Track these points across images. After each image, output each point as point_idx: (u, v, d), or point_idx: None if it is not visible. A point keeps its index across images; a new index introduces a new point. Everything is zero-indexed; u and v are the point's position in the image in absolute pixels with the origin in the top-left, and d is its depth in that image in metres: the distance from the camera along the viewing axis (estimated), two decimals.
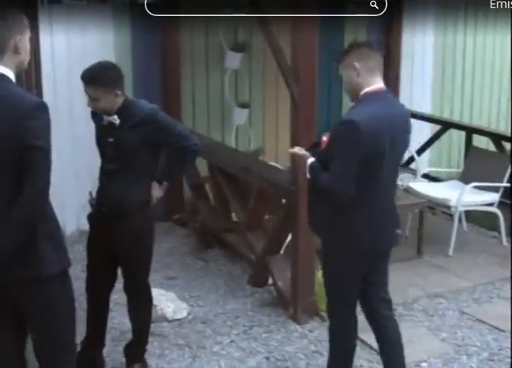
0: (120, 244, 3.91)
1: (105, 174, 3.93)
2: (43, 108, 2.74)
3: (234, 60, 6.75)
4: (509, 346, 4.51)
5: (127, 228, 3.87)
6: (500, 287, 5.44)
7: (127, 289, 4.07)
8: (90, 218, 4.08)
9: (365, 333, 4.75)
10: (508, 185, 6.24)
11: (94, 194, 3.98)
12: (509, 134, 6.92)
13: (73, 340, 3.09)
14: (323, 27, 6.84)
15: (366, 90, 3.54)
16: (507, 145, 6.90)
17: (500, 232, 6.34)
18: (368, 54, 3.59)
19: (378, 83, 3.57)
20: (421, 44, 7.98)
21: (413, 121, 7.92)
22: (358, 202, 3.44)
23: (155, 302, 4.43)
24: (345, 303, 3.76)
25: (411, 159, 7.62)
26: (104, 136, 3.86)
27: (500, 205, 6.27)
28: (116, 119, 3.79)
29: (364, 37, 7.60)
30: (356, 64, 3.54)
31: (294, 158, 3.81)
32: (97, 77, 3.68)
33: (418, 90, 8.08)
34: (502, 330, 4.75)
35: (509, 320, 4.74)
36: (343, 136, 3.42)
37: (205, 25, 6.72)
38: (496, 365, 4.37)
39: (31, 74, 4.41)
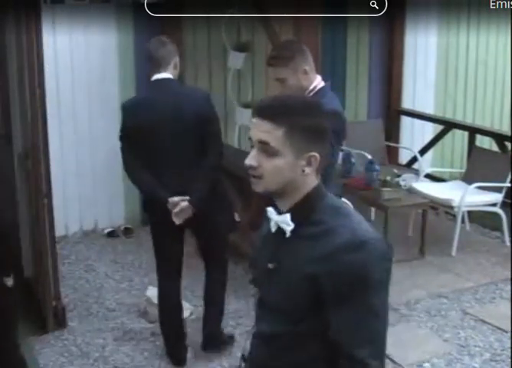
0: None
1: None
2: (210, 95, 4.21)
3: (236, 59, 6.73)
4: None
5: None
6: (503, 287, 5.43)
7: None
8: None
9: None
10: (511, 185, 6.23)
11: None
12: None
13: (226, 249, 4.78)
14: (326, 28, 6.88)
15: (314, 85, 3.60)
16: (510, 145, 6.88)
17: (503, 232, 6.33)
18: (307, 53, 3.62)
19: (318, 76, 3.67)
20: (424, 44, 7.96)
21: (416, 121, 8.02)
22: None
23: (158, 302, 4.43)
24: None
25: (414, 159, 7.61)
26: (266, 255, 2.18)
27: (503, 205, 6.26)
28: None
29: (366, 37, 7.59)
30: (307, 68, 3.57)
31: None
32: None
33: (420, 90, 8.06)
34: (505, 331, 4.74)
35: None
36: (334, 123, 3.52)
37: (208, 25, 6.72)
38: (499, 365, 4.37)
39: (33, 74, 4.42)
